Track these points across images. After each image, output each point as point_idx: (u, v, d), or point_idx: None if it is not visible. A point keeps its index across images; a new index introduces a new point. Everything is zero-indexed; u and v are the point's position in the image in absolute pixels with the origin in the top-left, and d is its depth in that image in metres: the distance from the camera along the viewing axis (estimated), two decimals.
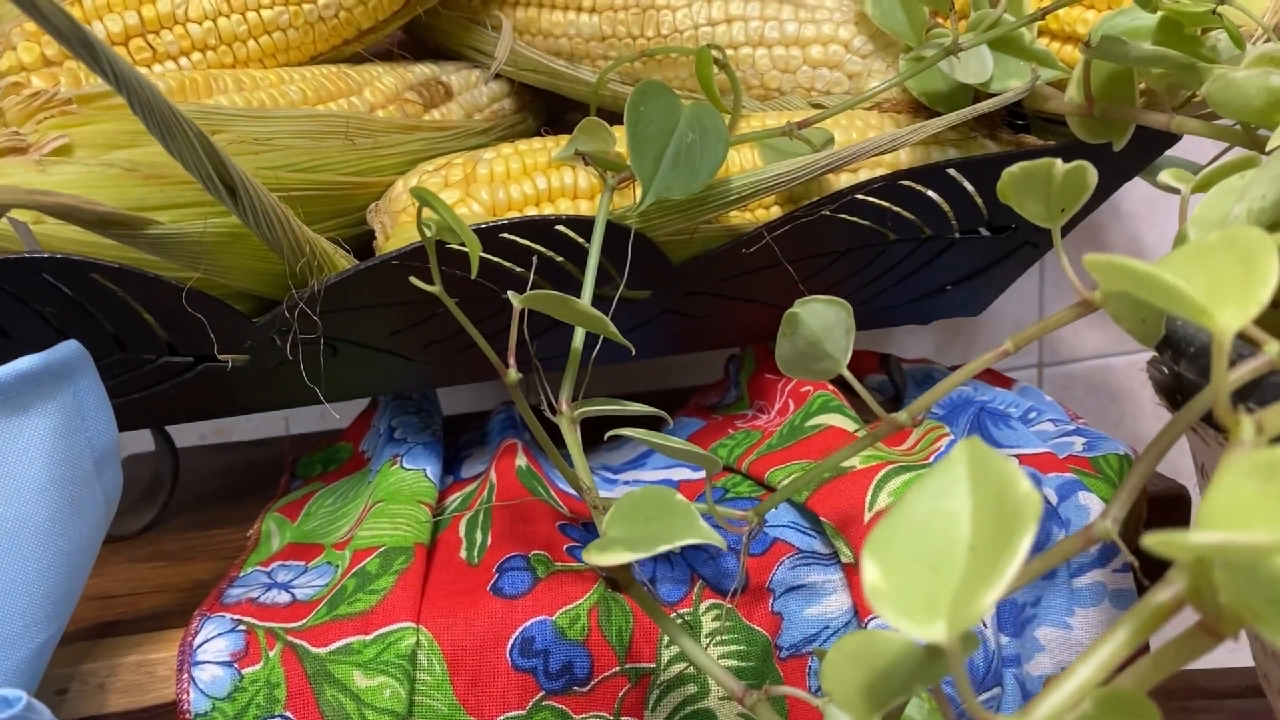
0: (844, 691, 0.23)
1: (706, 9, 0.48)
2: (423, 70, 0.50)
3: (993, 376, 0.59)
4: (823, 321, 0.33)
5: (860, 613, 0.41)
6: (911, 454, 0.46)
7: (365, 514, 0.45)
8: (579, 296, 0.38)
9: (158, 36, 0.44)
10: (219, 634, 0.38)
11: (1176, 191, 0.37)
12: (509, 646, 0.39)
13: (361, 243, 0.46)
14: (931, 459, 0.44)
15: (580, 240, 0.40)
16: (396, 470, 0.47)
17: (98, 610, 0.42)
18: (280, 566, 0.44)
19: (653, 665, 0.39)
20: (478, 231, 0.38)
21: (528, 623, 0.39)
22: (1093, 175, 0.31)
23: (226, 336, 0.40)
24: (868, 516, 0.41)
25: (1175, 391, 0.35)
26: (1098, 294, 0.34)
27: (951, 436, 0.45)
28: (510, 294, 0.35)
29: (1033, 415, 0.53)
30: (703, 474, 0.38)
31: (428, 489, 0.45)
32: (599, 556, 0.31)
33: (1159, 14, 0.38)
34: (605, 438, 0.39)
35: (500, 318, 0.43)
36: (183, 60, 0.44)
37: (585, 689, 0.39)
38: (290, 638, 0.38)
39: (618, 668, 0.39)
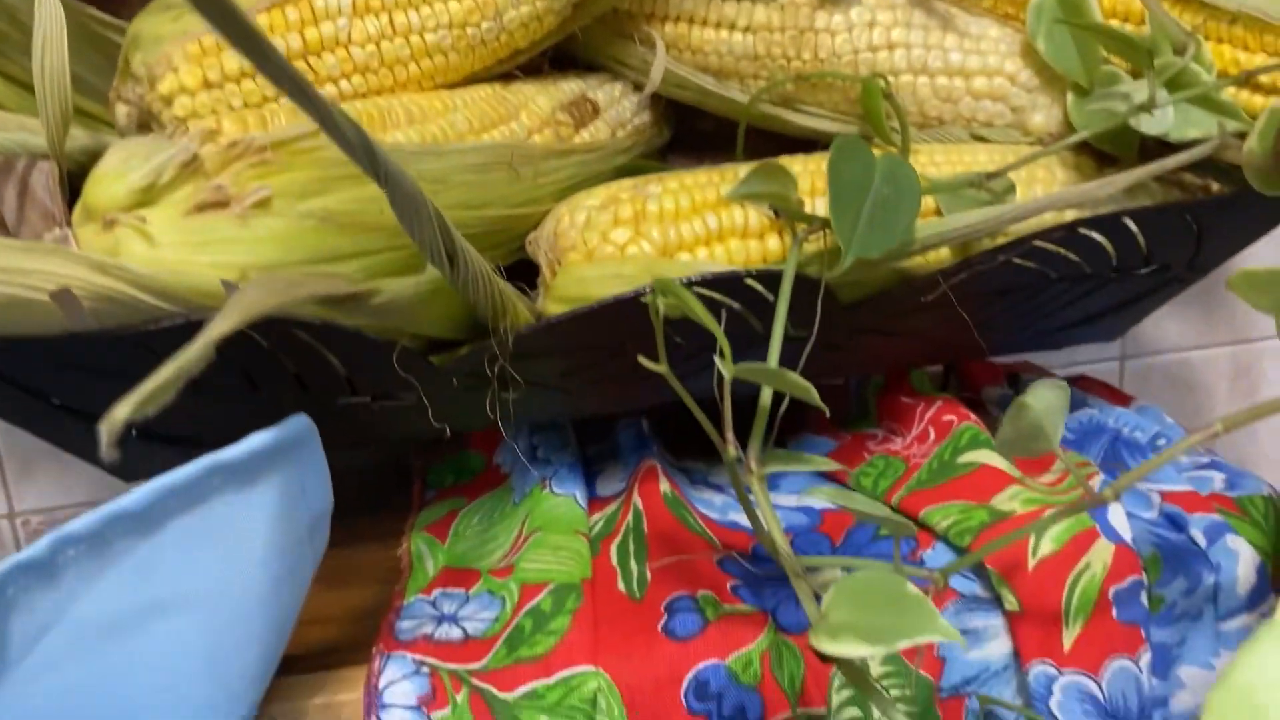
0: None
1: (868, 34, 0.47)
2: (570, 87, 0.49)
3: (1110, 392, 0.59)
4: (1046, 405, 0.33)
5: (1021, 658, 0.42)
6: (1061, 489, 0.46)
7: (522, 542, 0.45)
8: (762, 343, 0.38)
9: (319, 59, 0.43)
10: (403, 676, 0.38)
11: None
12: (683, 689, 0.39)
13: (512, 269, 0.45)
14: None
15: (766, 294, 0.39)
16: (548, 495, 0.47)
17: None
18: (442, 595, 0.44)
19: (824, 711, 0.40)
20: None
21: (700, 665, 0.39)
22: None
23: (409, 380, 0.39)
24: (1031, 564, 0.42)
25: None
26: None
27: (1101, 477, 0.46)
28: (719, 363, 0.35)
29: (1161, 442, 0.53)
30: (842, 505, 0.39)
31: (581, 517, 0.46)
32: (830, 645, 0.31)
33: None
34: (800, 495, 0.39)
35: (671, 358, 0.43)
36: (343, 83, 0.43)
37: None
38: (475, 681, 0.38)
39: (789, 713, 0.40)
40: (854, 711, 0.40)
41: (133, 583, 0.31)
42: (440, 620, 0.42)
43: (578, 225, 0.43)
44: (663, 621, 0.41)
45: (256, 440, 0.31)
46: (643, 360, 0.33)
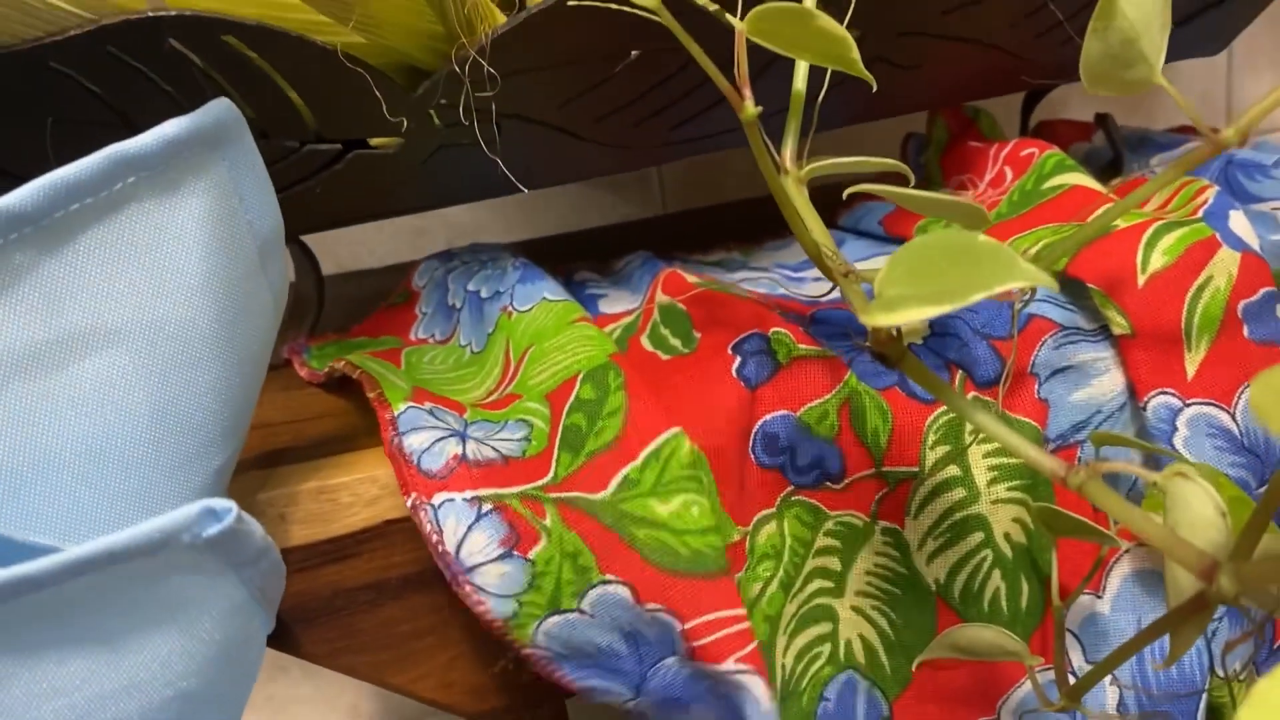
0: None
1: None
2: None
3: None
4: (1141, 12, 0.26)
5: (1138, 391, 0.35)
6: (1169, 211, 0.39)
7: (517, 368, 0.37)
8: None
9: None
10: (469, 527, 0.31)
11: None
12: (751, 442, 0.33)
13: None
14: (1200, 213, 0.37)
15: None
16: (519, 316, 0.38)
17: (261, 439, 0.38)
18: (437, 410, 0.35)
19: (915, 469, 0.34)
20: None
21: (768, 417, 0.33)
22: None
23: (380, 116, 0.34)
24: (1141, 280, 0.35)
25: None
26: None
27: (1217, 189, 0.38)
28: (730, 18, 0.28)
29: None
30: None
31: (568, 305, 0.38)
32: (884, 317, 0.25)
33: None
34: (845, 195, 0.32)
35: (687, 75, 0.36)
36: None
37: (839, 486, 0.33)
38: (554, 494, 0.31)
39: (873, 470, 0.34)
40: (949, 470, 0.34)
41: (44, 309, 0.26)
42: (460, 436, 0.33)
43: None
44: (736, 365, 0.34)
45: (169, 128, 0.26)
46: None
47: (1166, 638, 0.34)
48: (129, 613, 0.23)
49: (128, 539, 0.21)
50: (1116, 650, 0.28)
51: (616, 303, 0.43)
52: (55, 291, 0.26)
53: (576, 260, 0.49)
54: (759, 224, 0.51)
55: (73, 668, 0.23)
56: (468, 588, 0.30)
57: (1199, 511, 0.25)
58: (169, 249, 0.27)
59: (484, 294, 0.41)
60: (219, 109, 0.27)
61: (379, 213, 0.39)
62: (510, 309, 0.39)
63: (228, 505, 0.23)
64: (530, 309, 0.39)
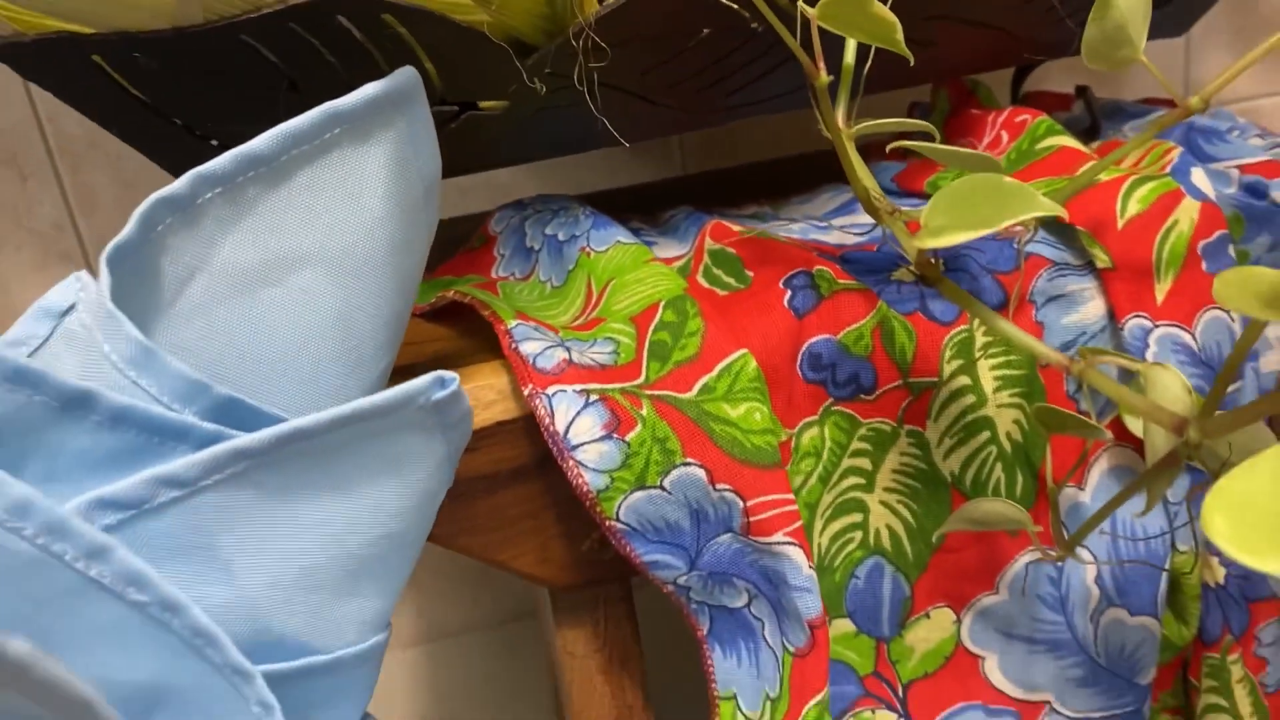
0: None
1: None
2: None
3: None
4: (1129, 5, 0.34)
5: (1116, 315, 0.43)
6: (1142, 168, 0.47)
7: (599, 298, 0.44)
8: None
9: None
10: (577, 412, 0.38)
11: None
12: (798, 361, 0.41)
13: None
14: (1168, 170, 0.45)
15: None
16: (597, 255, 0.45)
17: None
18: (538, 328, 0.42)
19: (935, 380, 0.41)
20: None
21: (813, 340, 0.41)
22: None
23: (493, 81, 0.40)
24: (1120, 223, 0.43)
25: None
26: None
27: (1181, 150, 0.46)
28: (804, 7, 0.35)
29: (1236, 134, 0.53)
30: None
31: (640, 248, 0.44)
32: (931, 240, 0.32)
33: None
34: (888, 149, 0.39)
35: (745, 51, 0.43)
36: None
37: (871, 397, 0.41)
38: (650, 392, 0.38)
39: (900, 381, 0.41)
40: (962, 380, 0.41)
41: (266, 233, 0.32)
42: (564, 347, 0.40)
43: None
44: (787, 298, 0.41)
45: (370, 89, 0.32)
46: None
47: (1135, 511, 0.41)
48: (362, 463, 0.30)
49: (380, 399, 0.28)
50: (1105, 505, 0.36)
51: (666, 249, 0.50)
52: (274, 219, 0.33)
53: (623, 213, 0.56)
54: (781, 181, 0.58)
55: (316, 505, 0.30)
56: (571, 462, 0.37)
57: (1171, 389, 0.33)
58: (359, 187, 0.34)
59: (561, 237, 0.48)
60: (405, 75, 0.33)
61: (480, 165, 0.46)
62: (589, 249, 0.46)
63: (453, 376, 0.30)
64: (607, 249, 0.45)
